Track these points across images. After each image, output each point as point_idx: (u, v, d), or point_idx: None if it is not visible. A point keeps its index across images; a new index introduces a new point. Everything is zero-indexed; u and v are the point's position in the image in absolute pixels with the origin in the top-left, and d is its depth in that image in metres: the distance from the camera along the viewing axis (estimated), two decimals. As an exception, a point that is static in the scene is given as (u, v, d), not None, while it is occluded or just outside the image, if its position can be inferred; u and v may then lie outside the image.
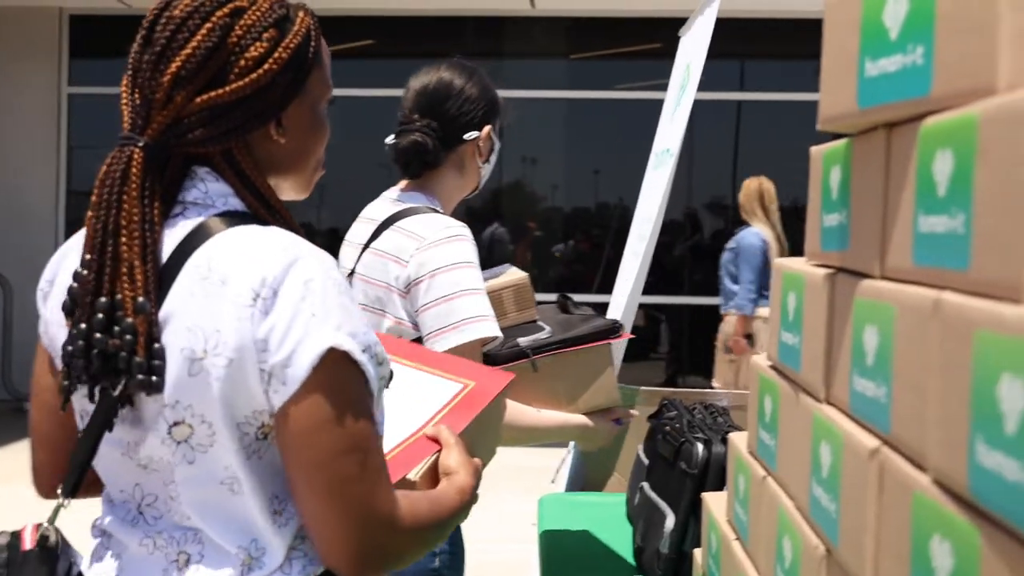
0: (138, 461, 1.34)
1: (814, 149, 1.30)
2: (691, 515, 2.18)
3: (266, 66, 1.32)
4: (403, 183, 2.35)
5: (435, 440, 1.53)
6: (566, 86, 9.54)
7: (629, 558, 2.44)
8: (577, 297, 9.23)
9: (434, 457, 1.51)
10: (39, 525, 1.35)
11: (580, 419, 2.31)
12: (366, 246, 2.24)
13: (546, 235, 9.65)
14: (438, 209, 2.26)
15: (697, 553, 1.92)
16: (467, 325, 2.06)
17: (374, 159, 7.85)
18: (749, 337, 6.78)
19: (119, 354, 1.24)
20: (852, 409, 1.08)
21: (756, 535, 1.47)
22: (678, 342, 9.63)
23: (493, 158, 2.38)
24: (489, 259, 9.59)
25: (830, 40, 1.15)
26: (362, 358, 1.26)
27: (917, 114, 0.95)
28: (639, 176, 4.36)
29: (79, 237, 1.37)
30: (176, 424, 1.28)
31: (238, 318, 1.23)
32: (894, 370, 0.96)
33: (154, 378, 1.25)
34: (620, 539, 2.52)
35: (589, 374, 2.21)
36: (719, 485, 2.11)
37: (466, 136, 2.28)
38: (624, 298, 3.26)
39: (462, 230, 2.14)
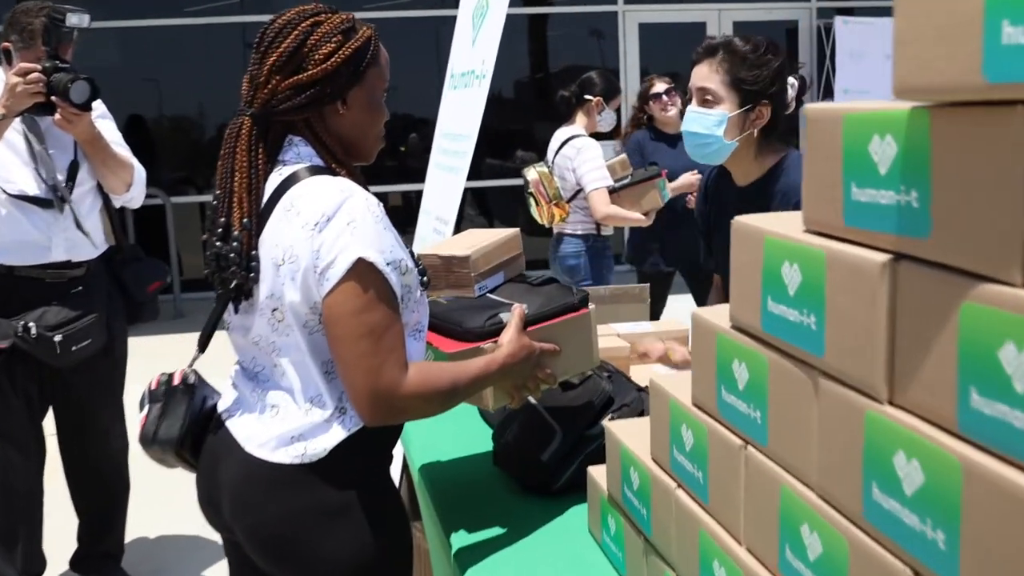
0: (251, 340, 1.49)
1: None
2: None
3: (333, 60, 1.43)
4: None
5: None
6: (360, 6, 8.01)
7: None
8: (382, 186, 8.51)
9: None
10: (184, 371, 1.56)
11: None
12: None
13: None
14: None
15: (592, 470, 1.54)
16: None
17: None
18: None
19: (230, 256, 1.41)
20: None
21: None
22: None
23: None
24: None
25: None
26: (385, 269, 1.37)
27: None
28: (429, 89, 3.73)
29: None
30: (274, 310, 1.43)
31: (304, 237, 1.37)
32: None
33: (251, 275, 1.42)
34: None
35: (573, 342, 1.69)
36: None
37: None
38: (436, 208, 2.96)
39: None
